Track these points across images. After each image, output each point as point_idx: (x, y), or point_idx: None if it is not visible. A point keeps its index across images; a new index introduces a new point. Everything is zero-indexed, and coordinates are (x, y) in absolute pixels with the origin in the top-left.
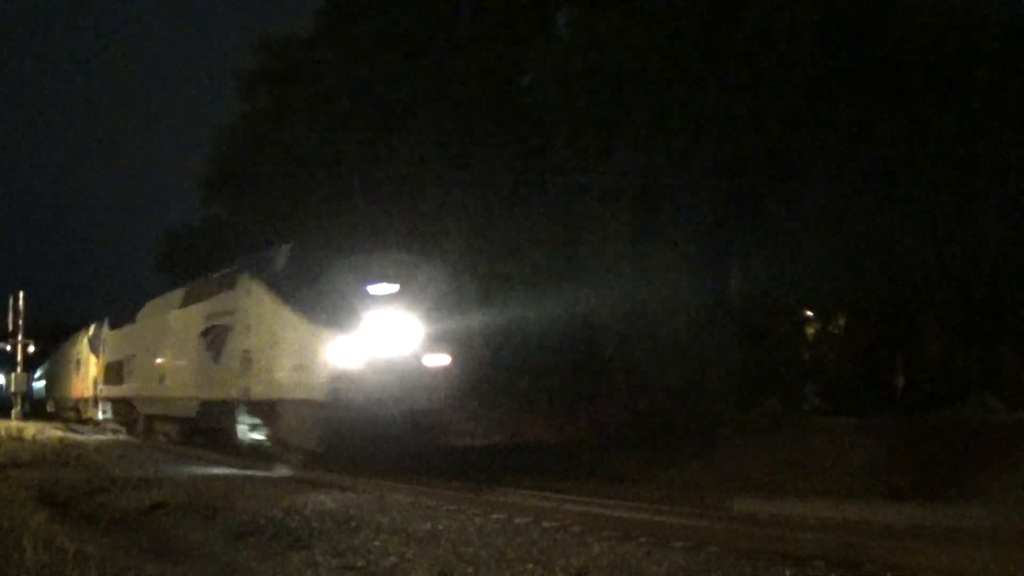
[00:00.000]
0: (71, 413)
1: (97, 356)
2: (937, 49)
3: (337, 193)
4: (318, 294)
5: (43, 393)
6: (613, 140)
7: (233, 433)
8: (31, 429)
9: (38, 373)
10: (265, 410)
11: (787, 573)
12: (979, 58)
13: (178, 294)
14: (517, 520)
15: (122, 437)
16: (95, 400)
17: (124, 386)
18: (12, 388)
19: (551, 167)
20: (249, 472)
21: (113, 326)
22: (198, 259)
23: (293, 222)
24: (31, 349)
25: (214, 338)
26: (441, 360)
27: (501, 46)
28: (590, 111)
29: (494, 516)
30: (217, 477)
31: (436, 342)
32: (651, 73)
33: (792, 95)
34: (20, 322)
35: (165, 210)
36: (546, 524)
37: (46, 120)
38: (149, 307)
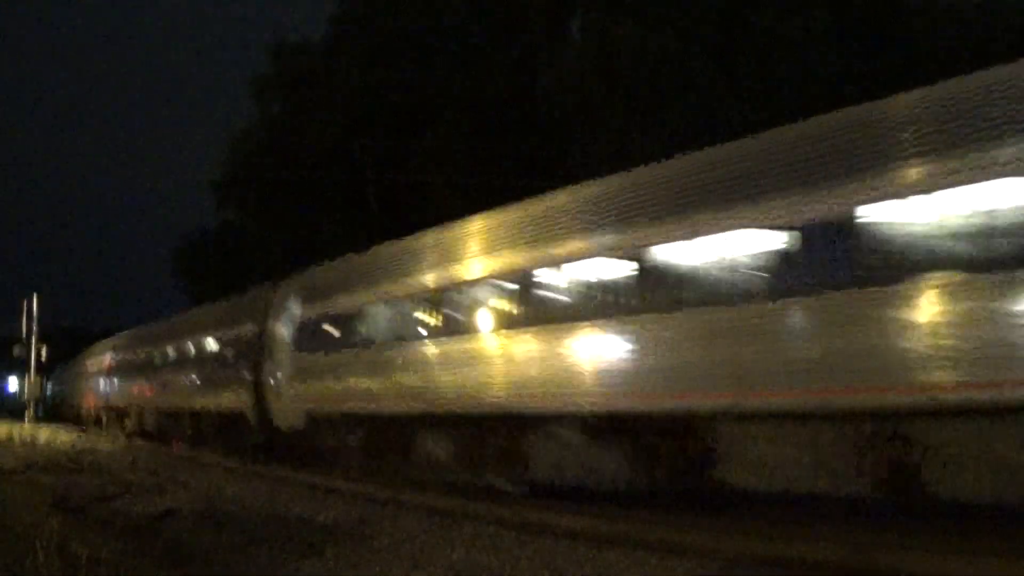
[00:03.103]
0: (87, 418)
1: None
2: (955, 51)
3: (352, 198)
4: None
5: (57, 398)
6: (628, 146)
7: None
8: (44, 434)
9: (52, 378)
10: None
11: None
12: (998, 60)
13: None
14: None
15: (137, 442)
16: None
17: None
18: (26, 393)
19: (567, 173)
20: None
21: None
22: (214, 267)
23: (307, 228)
24: (44, 354)
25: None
26: None
27: (516, 53)
28: (605, 118)
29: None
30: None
31: None
32: (665, 80)
33: (806, 100)
34: (34, 326)
35: (181, 214)
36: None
37: (62, 126)
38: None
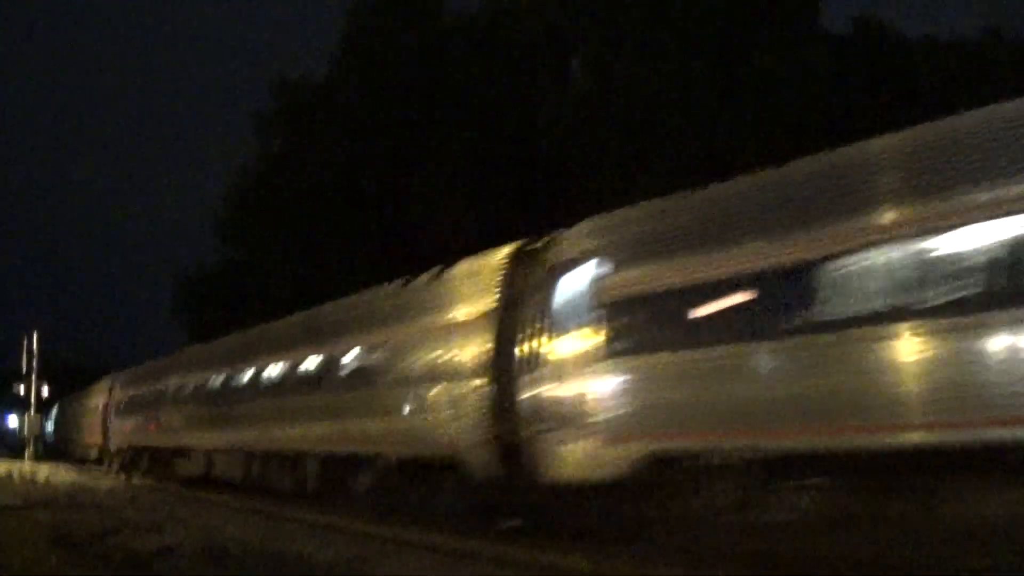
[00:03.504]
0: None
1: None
2: (953, 88)
3: (354, 232)
4: None
5: (55, 436)
6: (630, 181)
7: None
8: (44, 471)
9: (51, 416)
10: None
11: None
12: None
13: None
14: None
15: (136, 480)
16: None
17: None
18: (25, 430)
19: (567, 206)
20: None
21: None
22: (215, 303)
23: (309, 262)
24: (45, 391)
25: None
26: None
27: (517, 87)
28: (605, 152)
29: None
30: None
31: None
32: (665, 116)
33: (807, 133)
34: (34, 363)
35: (182, 249)
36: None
37: (62, 161)
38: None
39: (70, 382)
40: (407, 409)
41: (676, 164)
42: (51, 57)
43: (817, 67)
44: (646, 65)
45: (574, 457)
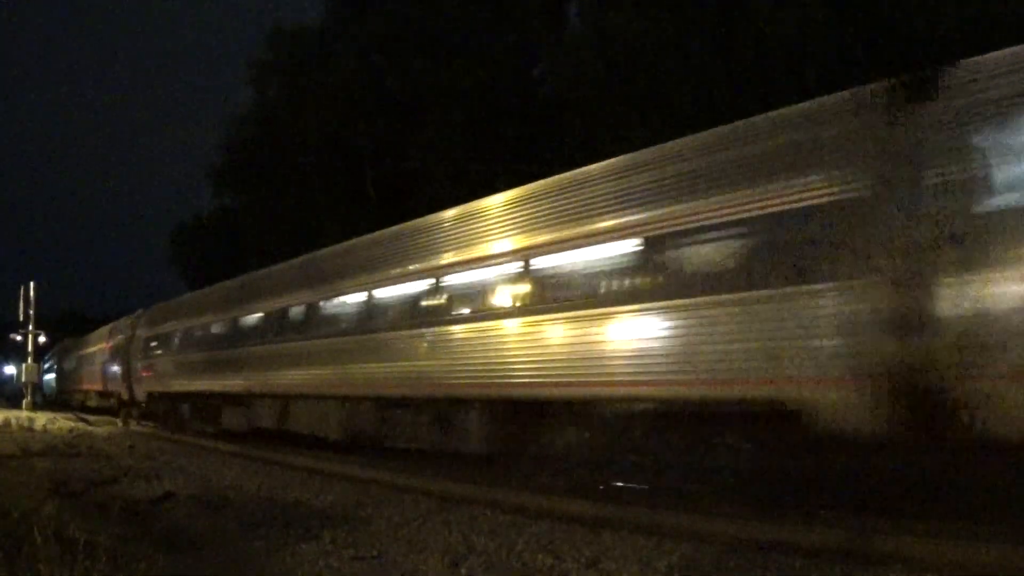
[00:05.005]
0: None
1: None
2: (951, 42)
3: (349, 185)
4: None
5: (54, 384)
6: (627, 133)
7: None
8: (42, 419)
9: (48, 364)
10: None
11: (797, 564)
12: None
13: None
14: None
15: (134, 427)
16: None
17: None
18: (23, 378)
19: (565, 160)
20: None
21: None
22: (210, 252)
23: (304, 214)
24: (42, 339)
25: None
26: None
27: (513, 39)
28: (603, 104)
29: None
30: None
31: None
32: (663, 67)
33: (804, 87)
34: (31, 312)
35: (178, 201)
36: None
37: (61, 112)
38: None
39: (66, 331)
40: None
41: (673, 114)
42: (50, 8)
43: (815, 17)
44: (643, 14)
45: None
